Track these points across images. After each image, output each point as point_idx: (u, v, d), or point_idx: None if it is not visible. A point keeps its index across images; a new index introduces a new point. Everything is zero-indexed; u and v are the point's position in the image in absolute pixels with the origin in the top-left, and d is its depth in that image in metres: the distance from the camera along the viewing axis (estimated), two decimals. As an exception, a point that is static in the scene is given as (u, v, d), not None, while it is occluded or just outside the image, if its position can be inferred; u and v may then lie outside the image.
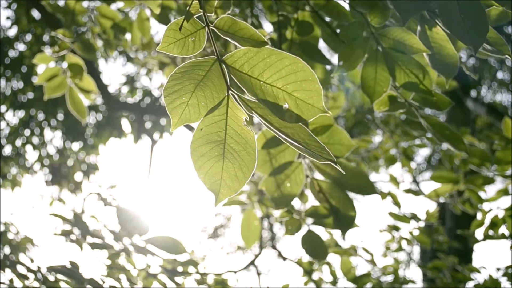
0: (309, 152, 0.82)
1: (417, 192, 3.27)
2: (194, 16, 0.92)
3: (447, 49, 1.27)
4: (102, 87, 5.60)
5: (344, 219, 1.48)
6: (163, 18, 2.33)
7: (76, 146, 7.46)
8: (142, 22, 2.41)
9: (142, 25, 2.43)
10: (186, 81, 0.87)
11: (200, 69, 0.87)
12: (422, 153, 8.74)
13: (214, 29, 0.92)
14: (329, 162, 0.82)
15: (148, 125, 6.97)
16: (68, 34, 2.18)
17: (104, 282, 2.03)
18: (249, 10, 2.04)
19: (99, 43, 2.49)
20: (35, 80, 2.24)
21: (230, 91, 0.88)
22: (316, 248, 1.60)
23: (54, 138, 7.48)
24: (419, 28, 1.30)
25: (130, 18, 2.50)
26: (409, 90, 1.36)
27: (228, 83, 0.88)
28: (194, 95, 0.87)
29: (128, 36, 2.54)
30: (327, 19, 1.71)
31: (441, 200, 3.08)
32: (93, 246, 2.18)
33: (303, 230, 1.65)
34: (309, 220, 1.61)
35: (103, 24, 2.37)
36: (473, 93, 8.04)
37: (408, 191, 3.27)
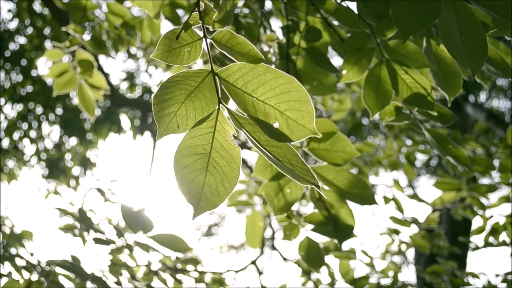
0: (293, 174, 0.81)
1: (421, 199, 3.26)
2: (192, 27, 0.90)
3: (452, 67, 1.25)
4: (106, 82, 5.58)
5: (342, 229, 1.46)
6: (173, 17, 2.30)
7: (74, 140, 7.44)
8: (152, 20, 2.38)
9: (152, 23, 2.40)
10: (177, 91, 0.85)
11: (193, 80, 0.86)
12: (420, 158, 8.71)
13: (212, 41, 0.90)
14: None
15: (151, 121, 6.94)
16: (79, 30, 2.16)
17: (107, 278, 2.02)
18: (259, 11, 2.02)
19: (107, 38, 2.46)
20: (45, 74, 2.22)
21: (220, 105, 0.87)
22: (313, 256, 1.58)
23: (52, 132, 7.47)
24: (425, 43, 1.29)
25: (140, 16, 2.48)
26: (411, 104, 1.34)
27: (220, 97, 0.87)
28: (184, 105, 0.85)
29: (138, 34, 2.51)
30: (337, 23, 1.69)
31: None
32: (97, 241, 2.16)
33: (301, 236, 1.62)
34: (308, 227, 1.59)
35: (112, 22, 2.34)
36: (471, 98, 8.01)
37: (412, 197, 3.26)
